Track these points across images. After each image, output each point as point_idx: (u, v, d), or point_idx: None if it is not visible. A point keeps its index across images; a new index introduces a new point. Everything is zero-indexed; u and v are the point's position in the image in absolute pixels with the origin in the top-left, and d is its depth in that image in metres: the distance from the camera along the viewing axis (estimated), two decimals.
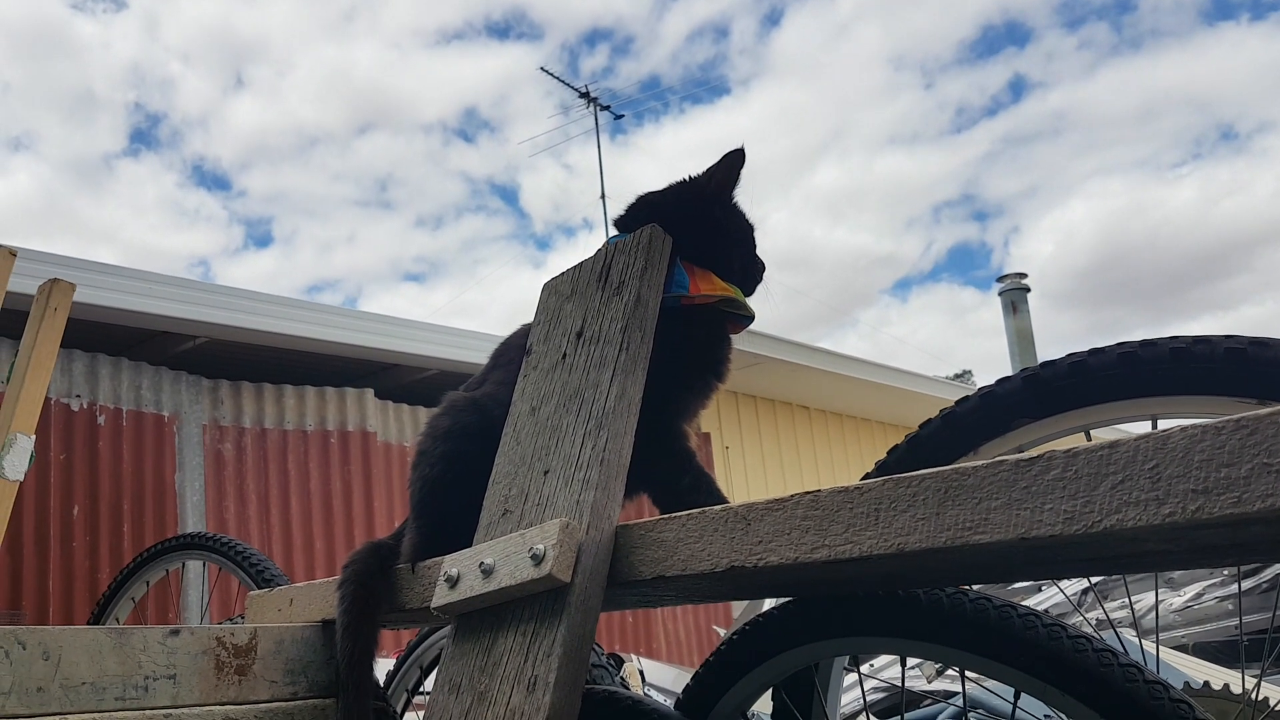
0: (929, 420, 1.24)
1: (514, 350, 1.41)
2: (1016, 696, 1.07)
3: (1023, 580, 1.20)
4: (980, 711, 2.05)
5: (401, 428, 5.95)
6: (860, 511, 0.89)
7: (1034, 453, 0.78)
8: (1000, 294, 11.01)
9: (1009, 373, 1.28)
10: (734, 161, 1.33)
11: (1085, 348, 1.16)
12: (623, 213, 1.41)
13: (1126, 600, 2.49)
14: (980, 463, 0.81)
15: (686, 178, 1.37)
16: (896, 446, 1.24)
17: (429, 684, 1.87)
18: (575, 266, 1.40)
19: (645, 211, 1.37)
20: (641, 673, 3.05)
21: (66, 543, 4.57)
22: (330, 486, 5.44)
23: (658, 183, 1.41)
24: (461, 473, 1.32)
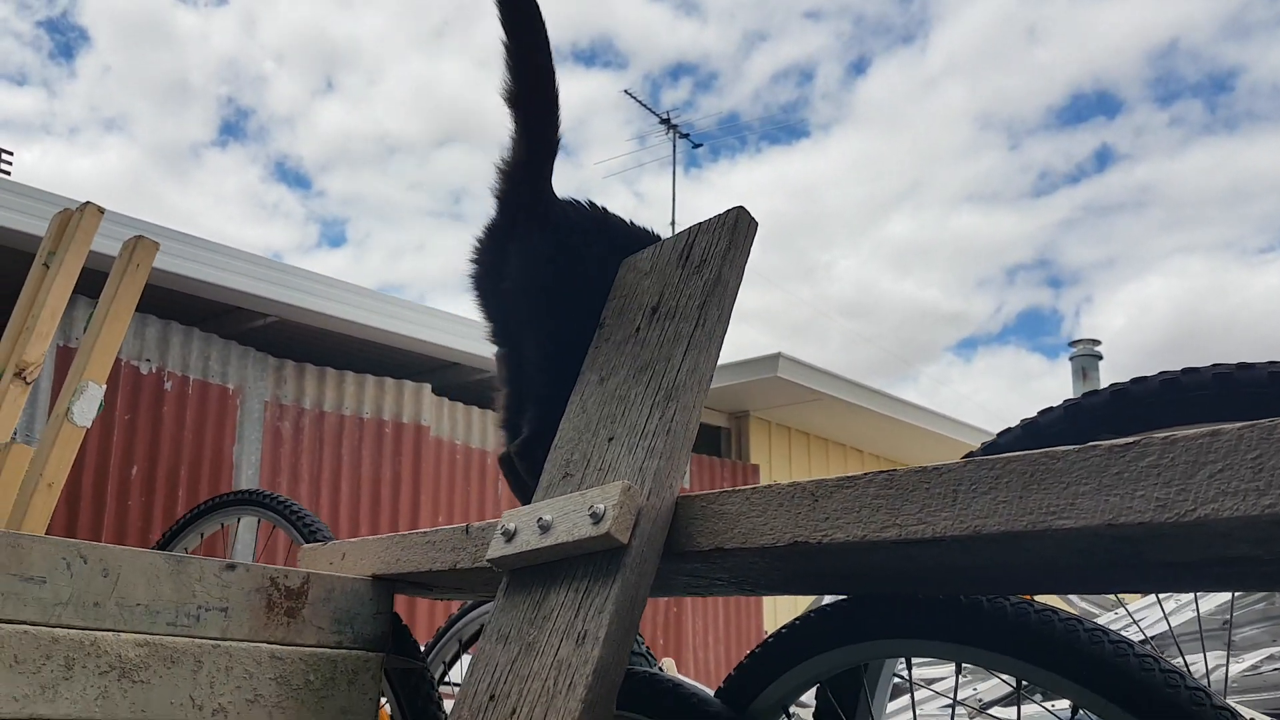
0: (1008, 429, 1.21)
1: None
2: (1074, 712, 1.04)
3: (1097, 591, 1.16)
4: None
5: (455, 425, 5.99)
6: (937, 492, 0.86)
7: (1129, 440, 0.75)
8: (1071, 359, 10.77)
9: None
10: None
11: None
12: None
13: (1181, 660, 2.41)
14: (1071, 447, 0.78)
15: None
16: (971, 452, 1.21)
17: (466, 659, 1.86)
18: (655, 245, 1.40)
19: None
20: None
21: (122, 500, 4.66)
22: (380, 474, 5.50)
23: None
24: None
